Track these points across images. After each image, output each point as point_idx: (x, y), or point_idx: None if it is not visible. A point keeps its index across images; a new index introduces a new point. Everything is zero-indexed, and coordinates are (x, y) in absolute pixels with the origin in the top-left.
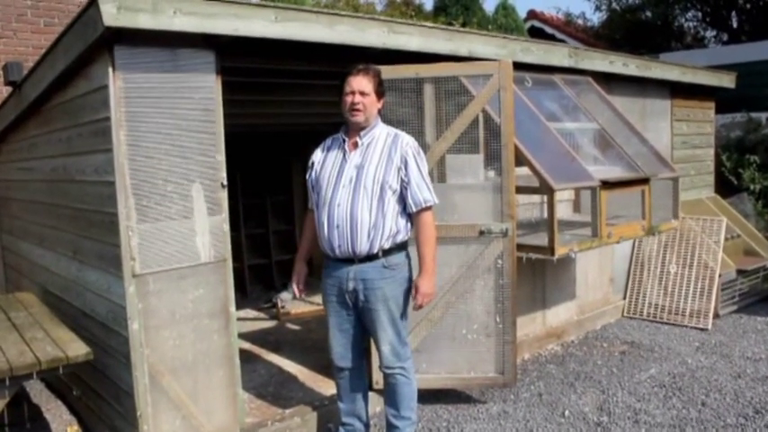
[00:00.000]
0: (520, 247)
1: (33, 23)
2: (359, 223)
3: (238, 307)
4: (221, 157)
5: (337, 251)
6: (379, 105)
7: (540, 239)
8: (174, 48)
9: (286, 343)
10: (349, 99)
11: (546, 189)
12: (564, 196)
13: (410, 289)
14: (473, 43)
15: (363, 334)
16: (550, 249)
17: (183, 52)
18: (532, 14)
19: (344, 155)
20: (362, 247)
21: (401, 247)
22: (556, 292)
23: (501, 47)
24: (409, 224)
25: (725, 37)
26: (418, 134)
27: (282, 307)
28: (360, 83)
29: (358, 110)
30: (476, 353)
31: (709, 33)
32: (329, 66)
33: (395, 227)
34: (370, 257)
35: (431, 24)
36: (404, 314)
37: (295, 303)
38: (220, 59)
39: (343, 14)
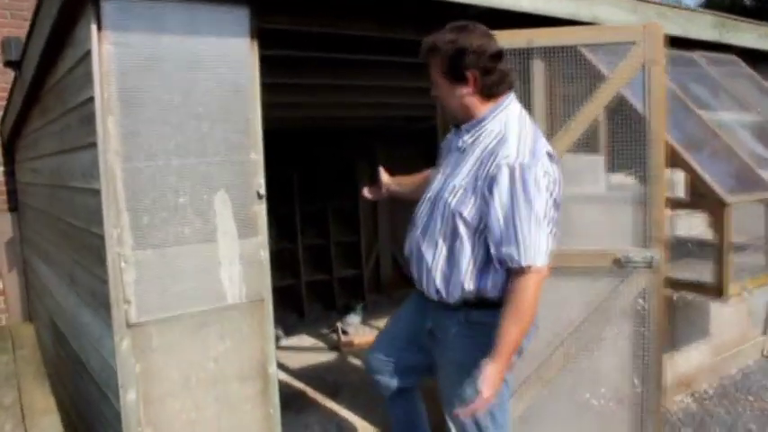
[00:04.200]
0: (670, 283)
1: None
2: (423, 261)
3: (293, 331)
4: (258, 156)
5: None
6: (467, 89)
7: (692, 272)
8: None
9: (347, 385)
10: None
11: (714, 203)
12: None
13: None
14: (597, 5)
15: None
16: (718, 289)
17: (202, 6)
18: None
19: (450, 152)
20: (430, 292)
21: (494, 304)
22: (686, 329)
23: (631, 11)
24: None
25: None
26: None
27: (345, 333)
28: (428, 69)
29: (447, 110)
30: (604, 425)
31: None
32: (411, 32)
33: (474, 282)
34: (445, 306)
35: None
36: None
37: (360, 330)
38: (257, 17)
39: None
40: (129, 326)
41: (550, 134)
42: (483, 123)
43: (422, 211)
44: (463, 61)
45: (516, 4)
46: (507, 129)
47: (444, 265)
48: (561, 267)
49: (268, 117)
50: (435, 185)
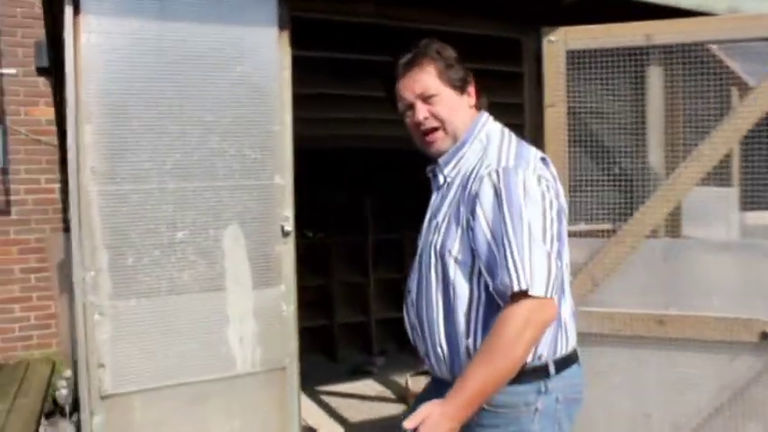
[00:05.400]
0: None
1: None
2: (426, 326)
3: (364, 372)
4: (284, 180)
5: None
6: (470, 100)
7: None
8: None
9: None
10: (410, 120)
11: None
12: None
13: None
14: None
15: None
16: None
17: None
18: None
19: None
20: (440, 368)
21: (519, 373)
22: None
23: None
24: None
25: None
26: (633, 152)
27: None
28: (413, 83)
29: (432, 131)
30: None
31: None
32: (491, 25)
33: (478, 338)
34: None
35: None
36: None
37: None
38: (287, 3)
39: None
40: (102, 397)
41: (671, 159)
42: (464, 147)
43: (413, 273)
44: (463, 68)
45: None
46: (488, 141)
47: (445, 326)
48: (680, 339)
49: (333, 135)
50: (421, 239)
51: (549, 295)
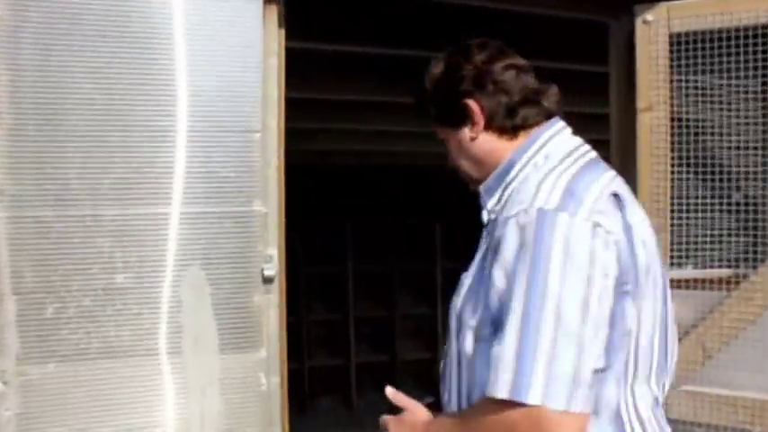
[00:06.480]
0: None
1: None
2: (449, 410)
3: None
4: (268, 207)
5: None
6: (471, 129)
7: None
8: None
9: None
10: None
11: None
12: None
13: None
14: None
15: None
16: None
17: None
18: None
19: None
20: None
21: None
22: None
23: None
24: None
25: None
26: (763, 174)
27: None
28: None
29: (462, 173)
30: None
31: None
32: (567, 5)
33: None
34: None
35: None
36: None
37: None
38: None
39: None
40: None
41: None
42: (510, 172)
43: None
44: (457, 86)
45: None
46: (544, 164)
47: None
48: None
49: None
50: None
51: (571, 407)
